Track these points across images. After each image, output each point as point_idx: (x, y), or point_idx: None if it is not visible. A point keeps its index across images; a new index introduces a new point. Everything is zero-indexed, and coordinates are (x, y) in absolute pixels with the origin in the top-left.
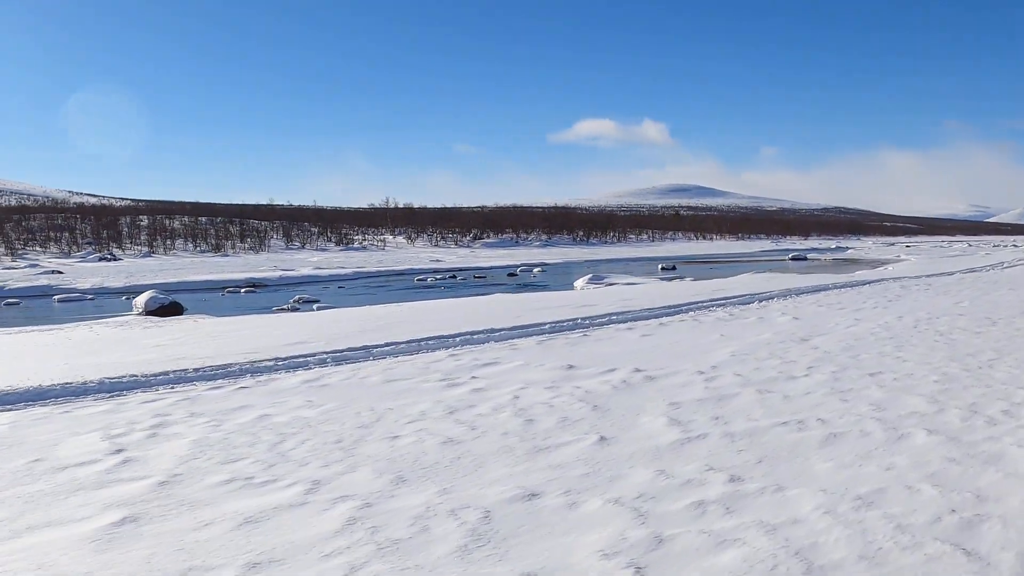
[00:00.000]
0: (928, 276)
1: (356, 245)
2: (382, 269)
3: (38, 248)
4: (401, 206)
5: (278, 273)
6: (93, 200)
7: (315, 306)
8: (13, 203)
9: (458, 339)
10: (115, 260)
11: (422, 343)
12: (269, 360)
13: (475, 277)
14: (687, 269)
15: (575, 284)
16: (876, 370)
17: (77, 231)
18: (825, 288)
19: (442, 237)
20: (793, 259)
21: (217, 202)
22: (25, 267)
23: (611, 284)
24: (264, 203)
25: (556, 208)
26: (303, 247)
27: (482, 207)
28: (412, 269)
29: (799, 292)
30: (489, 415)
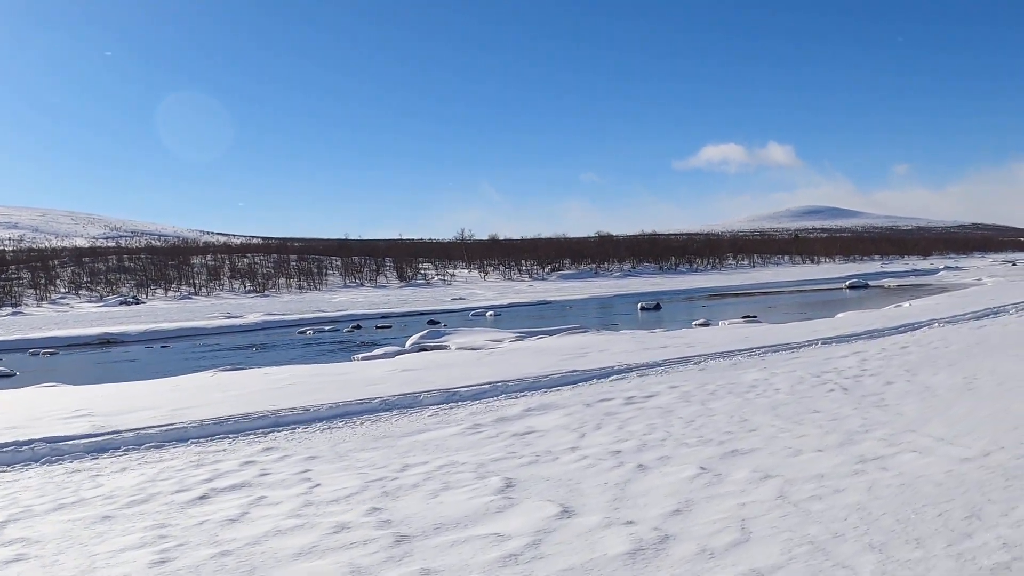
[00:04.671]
0: (891, 330)
1: (420, 280)
2: (322, 315)
3: (84, 292)
4: (485, 239)
5: (142, 327)
6: (223, 239)
7: None
8: (140, 244)
9: None
10: (136, 304)
11: None
12: None
13: (376, 327)
14: (678, 307)
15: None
16: None
17: (137, 273)
18: (611, 375)
19: (518, 270)
20: (851, 287)
21: (351, 237)
22: None
23: (422, 350)
24: (340, 237)
25: (643, 235)
26: (361, 284)
27: (558, 237)
28: (409, 312)
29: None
30: None
